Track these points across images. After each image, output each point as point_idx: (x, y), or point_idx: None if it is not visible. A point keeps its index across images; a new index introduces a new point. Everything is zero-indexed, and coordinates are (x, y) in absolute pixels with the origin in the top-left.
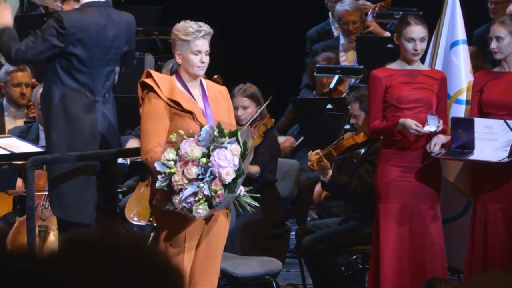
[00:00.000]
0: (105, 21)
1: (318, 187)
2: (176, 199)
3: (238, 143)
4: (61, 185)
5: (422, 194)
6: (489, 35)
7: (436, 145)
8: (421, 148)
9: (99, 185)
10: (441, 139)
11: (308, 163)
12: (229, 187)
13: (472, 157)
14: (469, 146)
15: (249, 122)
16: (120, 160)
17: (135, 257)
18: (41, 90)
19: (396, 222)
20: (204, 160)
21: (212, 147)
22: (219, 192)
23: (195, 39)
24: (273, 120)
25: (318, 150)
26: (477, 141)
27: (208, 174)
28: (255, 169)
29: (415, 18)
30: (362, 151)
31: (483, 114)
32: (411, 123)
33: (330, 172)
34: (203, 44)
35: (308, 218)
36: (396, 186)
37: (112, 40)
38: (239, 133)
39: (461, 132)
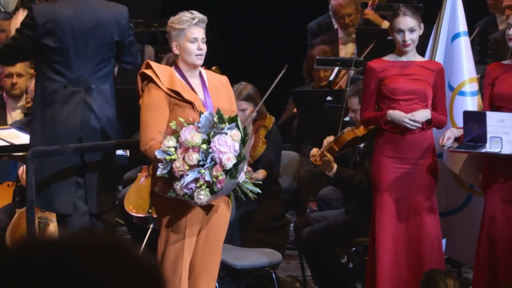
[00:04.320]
0: (81, 12)
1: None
2: (177, 185)
3: (238, 128)
4: (41, 177)
5: (418, 186)
6: (508, 21)
7: (449, 139)
8: (416, 140)
9: (95, 176)
10: (454, 132)
11: (311, 158)
12: (230, 172)
13: (484, 150)
14: (482, 140)
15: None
16: (120, 152)
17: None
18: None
19: (391, 213)
20: (204, 146)
21: (212, 133)
22: (220, 177)
23: (189, 26)
24: (273, 118)
25: (318, 149)
26: (505, 136)
27: (208, 160)
28: (262, 175)
29: (405, 9)
30: (362, 145)
31: (494, 108)
32: (402, 115)
33: (335, 166)
34: (199, 31)
35: (308, 210)
36: (391, 178)
37: (91, 31)
38: (238, 119)
39: (473, 126)
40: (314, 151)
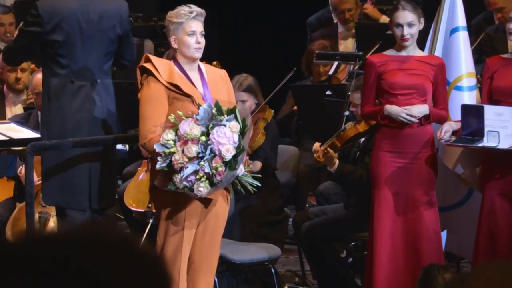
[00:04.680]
0: (85, 6)
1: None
2: (177, 178)
3: (237, 120)
4: (52, 173)
5: (416, 180)
6: (510, 15)
7: (446, 132)
8: (414, 134)
9: (98, 171)
10: (452, 126)
11: (314, 155)
12: (230, 164)
13: (482, 144)
14: (479, 134)
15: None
16: (119, 146)
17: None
18: (38, 75)
19: (389, 208)
20: (203, 138)
21: (211, 125)
22: (220, 169)
23: (188, 20)
24: (272, 111)
25: (320, 143)
26: (502, 130)
27: (208, 152)
28: (258, 166)
29: (405, 3)
30: (363, 139)
31: (493, 101)
32: (398, 110)
33: (337, 162)
34: (197, 25)
35: (307, 205)
36: (389, 172)
37: (96, 25)
38: (237, 111)
39: (471, 120)
40: (317, 146)
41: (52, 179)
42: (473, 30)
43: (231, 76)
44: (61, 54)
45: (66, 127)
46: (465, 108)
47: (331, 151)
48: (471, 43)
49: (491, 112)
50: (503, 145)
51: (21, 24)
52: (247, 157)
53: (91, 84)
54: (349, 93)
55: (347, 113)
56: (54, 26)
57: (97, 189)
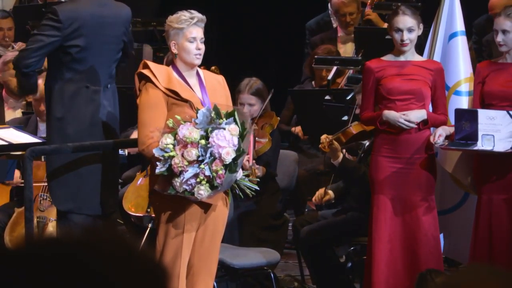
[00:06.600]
0: (100, 11)
1: (320, 190)
2: (177, 182)
3: (236, 123)
4: (63, 178)
5: (415, 185)
6: (493, 27)
7: (440, 136)
8: (412, 139)
9: (107, 175)
10: (446, 130)
11: (320, 145)
12: (230, 167)
13: (476, 148)
14: (473, 138)
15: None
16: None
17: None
18: (37, 81)
19: (388, 212)
20: (203, 142)
21: (210, 129)
22: (220, 172)
23: (188, 26)
24: (278, 118)
25: (326, 135)
26: (496, 134)
27: (208, 155)
28: (262, 171)
29: (405, 8)
30: (367, 143)
31: (485, 106)
32: (397, 116)
33: (341, 155)
34: (198, 31)
35: (306, 210)
36: (388, 177)
37: (110, 29)
38: (236, 114)
39: (465, 124)
40: (323, 138)
41: (63, 184)
42: (475, 30)
43: (232, 80)
44: (77, 59)
45: (83, 131)
46: (459, 113)
47: (336, 143)
48: (473, 43)
49: (483, 116)
50: (498, 148)
51: (34, 30)
52: (253, 161)
53: (102, 89)
54: (353, 93)
55: (345, 117)
56: (74, 31)
57: (106, 194)
